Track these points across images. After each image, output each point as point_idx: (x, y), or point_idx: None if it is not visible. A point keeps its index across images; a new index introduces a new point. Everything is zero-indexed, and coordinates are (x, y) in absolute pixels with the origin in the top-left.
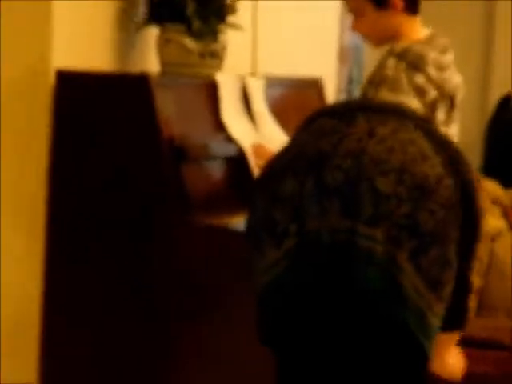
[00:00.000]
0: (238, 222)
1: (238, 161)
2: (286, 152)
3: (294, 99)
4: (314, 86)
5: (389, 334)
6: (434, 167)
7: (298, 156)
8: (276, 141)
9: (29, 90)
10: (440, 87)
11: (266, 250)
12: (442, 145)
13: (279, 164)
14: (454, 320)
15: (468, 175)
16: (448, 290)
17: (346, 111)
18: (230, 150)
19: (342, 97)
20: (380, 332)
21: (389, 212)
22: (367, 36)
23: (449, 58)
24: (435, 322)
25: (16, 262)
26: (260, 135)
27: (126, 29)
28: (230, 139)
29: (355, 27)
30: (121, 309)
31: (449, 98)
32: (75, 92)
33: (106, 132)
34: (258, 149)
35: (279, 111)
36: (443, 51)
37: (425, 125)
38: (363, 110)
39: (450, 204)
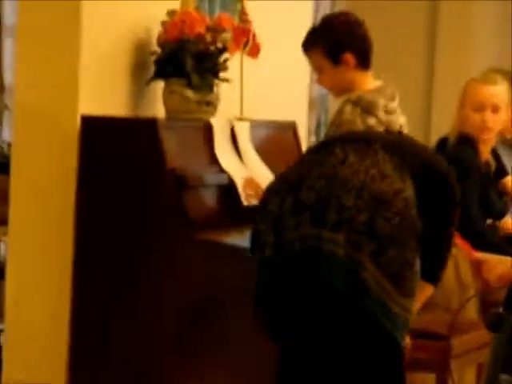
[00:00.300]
0: (228, 238)
1: (227, 188)
2: (275, 179)
3: (274, 139)
4: (289, 128)
5: (358, 322)
6: (392, 184)
7: (283, 180)
8: (259, 173)
9: (58, 131)
10: (388, 127)
11: (255, 257)
12: (409, 158)
13: (269, 188)
14: (433, 274)
15: (438, 165)
16: (410, 284)
17: (327, 144)
18: (221, 180)
19: (312, 137)
20: (350, 321)
21: (349, 219)
22: (329, 88)
23: (395, 104)
24: (398, 310)
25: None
26: (246, 168)
27: (139, 82)
28: (221, 171)
29: (319, 81)
30: (136, 314)
31: None
32: (97, 133)
33: (123, 164)
34: (249, 182)
35: (262, 148)
36: (391, 99)
37: (390, 145)
38: (341, 141)
39: (405, 212)
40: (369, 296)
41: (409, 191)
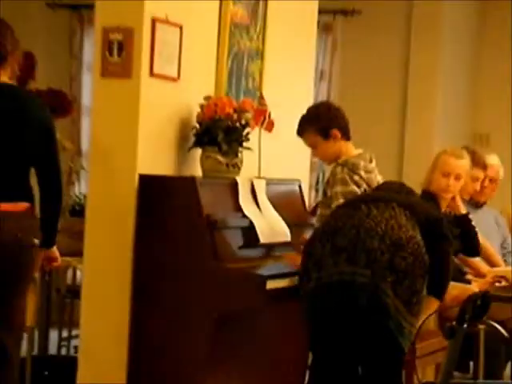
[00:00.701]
0: (248, 266)
1: (248, 229)
2: (317, 229)
3: (284, 193)
4: (295, 184)
5: (378, 335)
6: (406, 232)
7: (323, 230)
8: (272, 218)
9: (122, 185)
10: (368, 183)
11: (303, 287)
12: (416, 213)
13: (313, 236)
14: (437, 292)
15: (435, 215)
16: (418, 307)
17: (354, 202)
18: (244, 223)
19: (313, 192)
20: (373, 334)
21: (375, 259)
22: (323, 159)
23: (373, 165)
24: (408, 327)
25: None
26: (262, 215)
27: (182, 149)
28: (244, 216)
29: (315, 155)
30: (179, 324)
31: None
32: (150, 187)
33: (170, 210)
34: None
35: (274, 199)
36: (369, 161)
37: (403, 203)
38: (364, 201)
39: (417, 253)
40: (389, 316)
41: (418, 236)
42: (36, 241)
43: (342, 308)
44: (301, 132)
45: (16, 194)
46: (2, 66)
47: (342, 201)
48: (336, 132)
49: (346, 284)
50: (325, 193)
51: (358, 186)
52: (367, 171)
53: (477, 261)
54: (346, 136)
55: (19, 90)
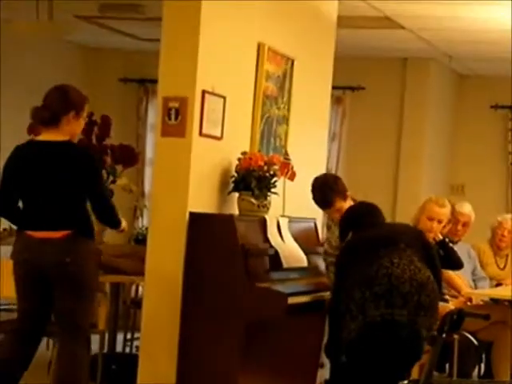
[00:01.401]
0: (274, 286)
1: (274, 256)
2: (353, 278)
3: (303, 228)
4: (312, 222)
5: (413, 357)
6: (425, 273)
7: (359, 279)
8: (293, 248)
9: (176, 220)
10: None
11: (348, 323)
12: (417, 246)
13: (352, 282)
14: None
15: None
16: (435, 327)
17: (371, 248)
18: (271, 252)
19: (325, 229)
20: (409, 352)
21: (408, 300)
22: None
23: None
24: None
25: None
26: (286, 245)
27: (223, 193)
28: (271, 246)
29: (331, 214)
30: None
31: None
32: (198, 222)
33: (213, 241)
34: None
35: (295, 234)
36: None
37: (408, 241)
38: (378, 245)
39: (433, 289)
40: (421, 341)
41: (429, 272)
42: (67, 259)
43: (387, 340)
44: (332, 203)
45: (63, 224)
46: (55, 125)
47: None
48: (348, 194)
49: (388, 323)
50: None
51: None
52: None
53: (458, 281)
54: (345, 198)
55: (69, 144)
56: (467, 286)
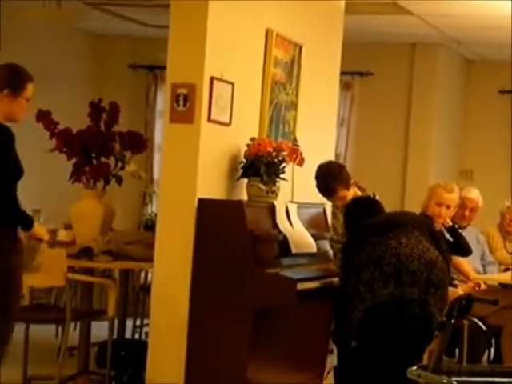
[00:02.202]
0: (282, 271)
1: (283, 242)
2: (361, 260)
3: (312, 214)
4: (321, 207)
5: (425, 335)
6: (434, 252)
7: (368, 259)
8: (302, 234)
9: (184, 207)
10: None
11: (357, 304)
12: (423, 229)
13: (360, 263)
14: None
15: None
16: (445, 309)
17: (379, 230)
18: (280, 237)
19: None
20: (421, 335)
21: (418, 278)
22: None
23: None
24: (440, 321)
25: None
26: (294, 231)
27: (232, 179)
28: (280, 232)
29: (335, 201)
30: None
31: None
32: (207, 208)
33: (222, 227)
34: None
35: (304, 219)
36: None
37: (415, 224)
38: (385, 228)
39: (443, 267)
40: (433, 319)
41: (438, 252)
42: None
43: (397, 319)
44: (335, 192)
45: None
46: None
47: None
48: (351, 182)
49: (399, 301)
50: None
51: None
52: None
53: (467, 266)
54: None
55: None
56: (474, 271)
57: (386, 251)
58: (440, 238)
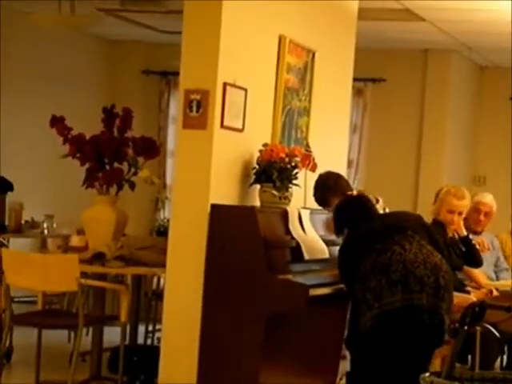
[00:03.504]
0: (294, 278)
1: (296, 248)
2: (366, 267)
3: (323, 220)
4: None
5: (436, 340)
6: (437, 255)
7: (373, 267)
8: (314, 239)
9: (197, 212)
10: None
11: (364, 311)
12: (422, 232)
13: (365, 270)
14: None
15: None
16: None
17: (382, 236)
18: (292, 243)
19: None
20: (432, 338)
21: (426, 284)
22: None
23: (379, 204)
24: (448, 323)
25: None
26: (307, 236)
27: (245, 185)
28: (292, 238)
29: None
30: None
31: None
32: (219, 214)
33: (234, 232)
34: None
35: (316, 225)
36: (376, 202)
37: (413, 229)
38: (387, 233)
39: (448, 270)
40: (443, 324)
41: (440, 255)
42: None
43: (408, 326)
44: (327, 203)
45: None
46: None
47: None
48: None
49: (408, 308)
50: None
51: None
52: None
53: (478, 275)
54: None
55: None
56: (488, 278)
57: (391, 258)
58: (438, 238)
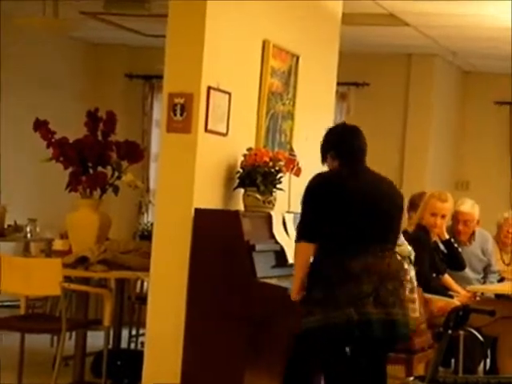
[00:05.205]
0: (277, 282)
1: (279, 252)
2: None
3: None
4: None
5: (391, 340)
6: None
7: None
8: None
9: (181, 216)
10: (400, 254)
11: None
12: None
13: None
14: None
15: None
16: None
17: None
18: (276, 247)
19: None
20: (387, 340)
21: (397, 296)
22: None
23: (401, 239)
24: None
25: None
26: (291, 241)
27: (229, 188)
28: (276, 242)
29: None
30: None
31: (407, 258)
32: (203, 218)
33: (217, 236)
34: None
35: None
36: None
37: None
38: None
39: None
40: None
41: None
42: None
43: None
44: None
45: None
46: None
47: None
48: None
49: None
50: None
51: None
52: (398, 245)
53: (451, 282)
54: None
55: None
56: (477, 282)
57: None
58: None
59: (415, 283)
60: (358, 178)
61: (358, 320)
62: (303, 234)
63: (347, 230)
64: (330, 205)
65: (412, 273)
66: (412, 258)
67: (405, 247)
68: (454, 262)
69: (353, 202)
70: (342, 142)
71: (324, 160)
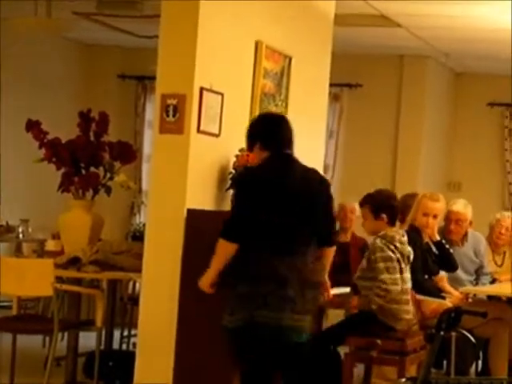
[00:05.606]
0: None
1: None
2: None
3: None
4: None
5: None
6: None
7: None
8: None
9: (173, 217)
10: (401, 252)
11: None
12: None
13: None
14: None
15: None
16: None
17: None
18: None
19: None
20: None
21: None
22: (368, 232)
23: (405, 238)
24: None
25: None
26: None
27: (221, 189)
28: None
29: (364, 227)
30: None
31: (406, 258)
32: (195, 218)
33: (211, 238)
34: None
35: None
36: (402, 235)
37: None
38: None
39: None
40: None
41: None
42: None
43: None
44: (361, 204)
45: None
46: None
47: (382, 264)
48: (385, 217)
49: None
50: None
51: (393, 253)
52: (401, 242)
53: (448, 286)
54: (391, 221)
55: None
56: (469, 284)
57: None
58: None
59: (409, 285)
60: (286, 172)
61: (264, 323)
62: (227, 232)
63: (274, 227)
64: (257, 201)
65: (408, 274)
66: (411, 258)
67: (405, 247)
68: (446, 263)
69: (280, 197)
70: (268, 132)
71: (250, 150)
